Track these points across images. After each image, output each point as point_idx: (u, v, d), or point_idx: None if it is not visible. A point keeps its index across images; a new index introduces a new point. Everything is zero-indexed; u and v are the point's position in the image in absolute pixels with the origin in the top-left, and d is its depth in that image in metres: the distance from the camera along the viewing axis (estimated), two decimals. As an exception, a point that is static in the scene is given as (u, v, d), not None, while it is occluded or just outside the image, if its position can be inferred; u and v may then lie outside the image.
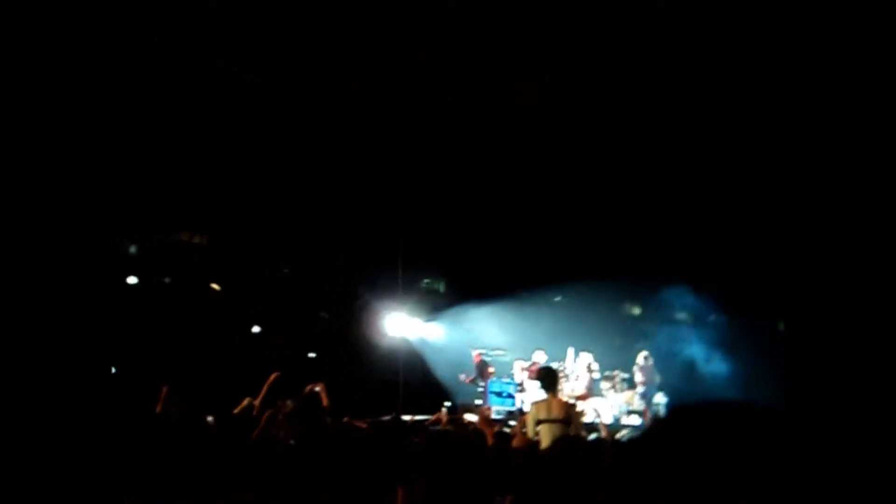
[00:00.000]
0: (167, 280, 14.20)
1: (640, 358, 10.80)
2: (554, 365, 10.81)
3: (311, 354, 14.58)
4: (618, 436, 7.91)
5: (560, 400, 6.54)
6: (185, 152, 11.09)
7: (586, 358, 10.90)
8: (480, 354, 12.22)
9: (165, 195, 12.27)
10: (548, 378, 6.61)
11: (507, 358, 12.60)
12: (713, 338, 12.65)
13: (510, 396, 10.84)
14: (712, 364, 12.39)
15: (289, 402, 5.78)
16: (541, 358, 11.54)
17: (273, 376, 6.57)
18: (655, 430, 1.07)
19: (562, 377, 10.48)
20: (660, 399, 10.62)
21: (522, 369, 11.32)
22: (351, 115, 10.61)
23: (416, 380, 13.23)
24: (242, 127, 10.80)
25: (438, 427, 6.92)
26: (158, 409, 6.35)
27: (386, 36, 8.70)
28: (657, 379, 10.93)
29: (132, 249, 13.53)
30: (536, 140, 10.91)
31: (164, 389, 6.41)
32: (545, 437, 6.06)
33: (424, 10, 8.32)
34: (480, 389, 11.54)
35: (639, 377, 10.76)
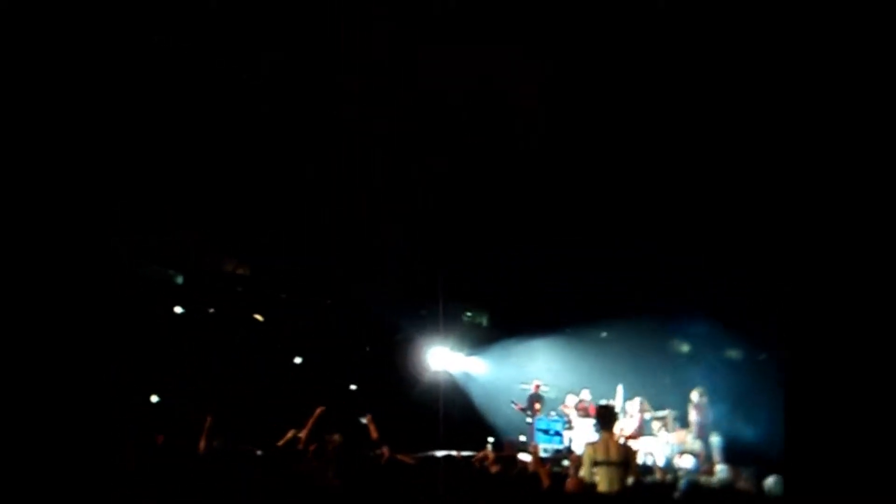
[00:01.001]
0: (211, 311, 14.27)
1: (695, 395, 10.41)
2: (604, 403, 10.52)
3: (353, 387, 14.44)
4: (677, 479, 7.57)
5: (616, 441, 6.26)
6: (227, 183, 11.18)
7: (638, 398, 10.56)
8: (538, 385, 11.94)
9: (209, 225, 12.39)
10: (606, 416, 6.34)
11: (552, 395, 12.31)
12: (766, 377, 12.18)
13: (558, 434, 10.53)
14: (764, 404, 11.91)
15: (336, 437, 5.65)
16: (586, 396, 11.23)
17: (318, 410, 6.45)
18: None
19: (617, 416, 10.15)
20: (714, 440, 10.18)
21: (568, 406, 11.03)
22: (389, 141, 10.60)
23: (458, 414, 12.98)
24: (281, 160, 10.86)
25: (486, 464, 6.70)
26: (202, 441, 6.27)
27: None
28: (711, 418, 10.52)
29: (179, 280, 13.68)
30: (574, 175, 10.78)
31: (209, 419, 6.33)
32: (602, 480, 5.78)
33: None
34: (528, 422, 11.25)
35: (693, 416, 10.36)
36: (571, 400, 11.17)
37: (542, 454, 9.93)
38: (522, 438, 11.23)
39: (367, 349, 14.69)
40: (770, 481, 7.76)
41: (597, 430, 6.59)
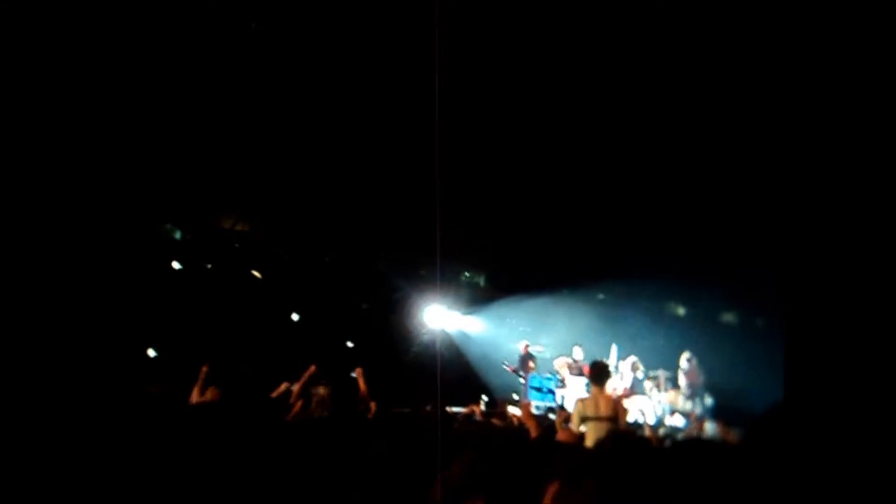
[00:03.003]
0: (209, 266, 14.27)
1: (683, 360, 10.48)
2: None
3: (350, 344, 14.52)
4: (661, 435, 7.66)
5: (608, 397, 6.33)
6: (228, 140, 11.12)
7: (631, 357, 10.63)
8: (527, 345, 12.02)
9: (209, 182, 12.34)
10: (599, 373, 6.40)
11: (547, 354, 12.38)
12: (760, 339, 12.23)
13: (550, 392, 10.64)
14: (758, 366, 11.98)
15: (322, 389, 5.67)
16: (578, 355, 11.30)
17: (311, 368, 6.49)
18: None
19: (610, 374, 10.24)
20: (706, 401, 10.28)
21: (563, 366, 11.10)
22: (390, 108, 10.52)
23: (454, 372, 13.08)
24: (282, 118, 10.77)
25: (475, 419, 6.76)
26: (195, 391, 6.31)
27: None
28: (702, 380, 10.60)
29: (177, 235, 13.65)
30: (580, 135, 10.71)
31: (205, 368, 6.38)
32: (591, 434, 5.85)
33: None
34: (522, 381, 11.35)
35: (682, 379, 10.45)
36: (561, 361, 11.25)
37: (535, 411, 10.03)
38: (516, 397, 11.33)
39: (365, 307, 14.74)
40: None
41: (588, 389, 6.65)
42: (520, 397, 11.04)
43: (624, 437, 3.48)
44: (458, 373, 13.19)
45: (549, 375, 11.05)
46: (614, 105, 10.02)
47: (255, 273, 14.71)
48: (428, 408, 7.06)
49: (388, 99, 10.48)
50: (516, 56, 9.20)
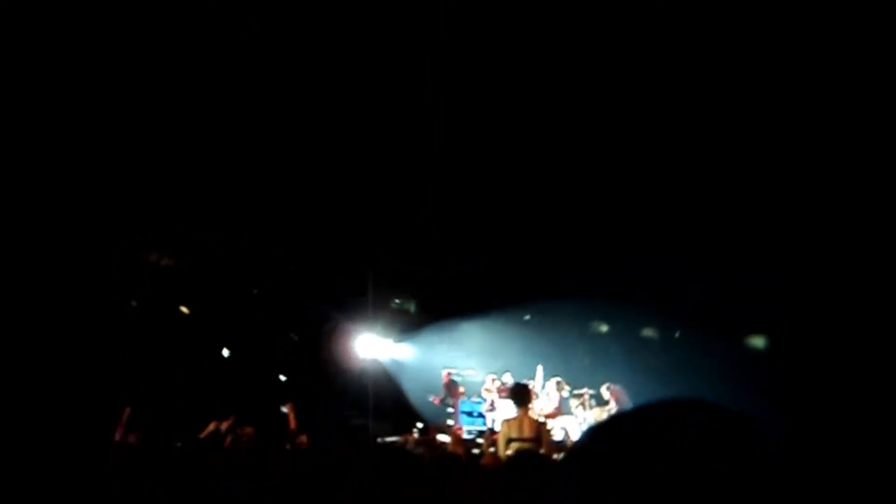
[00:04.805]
0: (133, 304, 13.99)
1: (604, 390, 10.76)
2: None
3: (282, 377, 14.44)
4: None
5: (531, 419, 6.57)
6: (154, 168, 10.94)
7: (555, 377, 10.94)
8: (449, 374, 12.22)
9: (131, 215, 12.12)
10: (520, 394, 6.65)
11: (479, 378, 12.59)
12: (680, 356, 12.77)
13: (481, 416, 10.83)
14: (678, 383, 12.45)
15: (248, 430, 5.72)
16: (508, 379, 11.55)
17: (230, 419, 6.52)
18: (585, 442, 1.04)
19: (532, 395, 10.51)
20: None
21: (489, 389, 11.35)
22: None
23: (387, 401, 13.17)
24: (206, 149, 10.72)
25: (407, 448, 6.91)
26: (118, 433, 6.26)
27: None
28: (626, 399, 10.93)
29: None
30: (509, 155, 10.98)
31: (127, 411, 6.34)
32: (514, 455, 6.07)
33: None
34: (451, 410, 11.53)
35: (607, 395, 10.77)
36: (490, 381, 11.50)
37: (466, 435, 10.21)
38: (450, 422, 11.47)
39: (295, 338, 14.70)
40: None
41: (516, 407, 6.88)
42: (453, 422, 11.20)
43: (530, 456, 3.69)
44: (391, 401, 13.29)
45: (478, 399, 11.26)
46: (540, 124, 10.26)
47: (183, 308, 14.50)
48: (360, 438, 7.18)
49: (315, 145, 10.63)
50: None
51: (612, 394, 10.63)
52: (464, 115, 9.94)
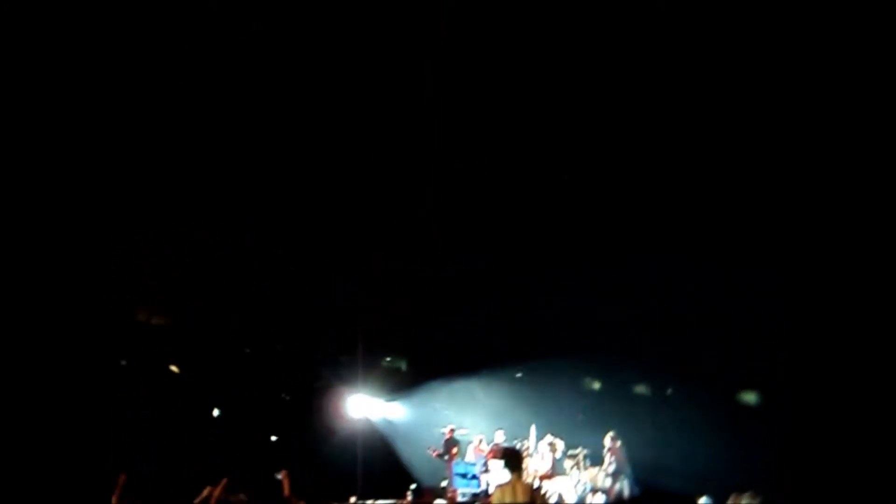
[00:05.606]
0: (123, 363, 13.91)
1: (608, 439, 10.74)
2: (517, 444, 10.79)
3: (273, 438, 14.30)
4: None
5: (524, 483, 6.56)
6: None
7: (549, 437, 10.91)
8: (452, 430, 12.10)
9: (121, 272, 12.08)
10: (512, 459, 6.65)
11: (470, 437, 12.53)
12: (674, 412, 12.77)
13: (475, 478, 10.76)
14: (673, 439, 12.43)
15: (242, 496, 5.72)
16: (500, 438, 11.51)
17: (223, 481, 6.50)
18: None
19: (526, 456, 10.47)
20: (625, 477, 10.59)
21: (479, 450, 11.30)
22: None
23: (379, 461, 13.04)
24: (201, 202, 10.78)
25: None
26: (114, 500, 6.24)
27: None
28: (623, 455, 10.91)
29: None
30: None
31: (122, 478, 6.32)
32: (509, 521, 6.06)
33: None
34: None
35: (607, 456, 10.72)
36: (478, 441, 11.46)
37: (461, 498, 10.14)
38: (444, 484, 11.38)
39: (287, 398, 14.61)
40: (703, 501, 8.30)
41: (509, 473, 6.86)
42: (448, 484, 11.10)
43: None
44: (383, 462, 13.16)
45: (472, 461, 11.20)
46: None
47: (174, 368, 14.42)
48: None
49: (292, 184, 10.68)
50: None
51: (611, 450, 10.61)
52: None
